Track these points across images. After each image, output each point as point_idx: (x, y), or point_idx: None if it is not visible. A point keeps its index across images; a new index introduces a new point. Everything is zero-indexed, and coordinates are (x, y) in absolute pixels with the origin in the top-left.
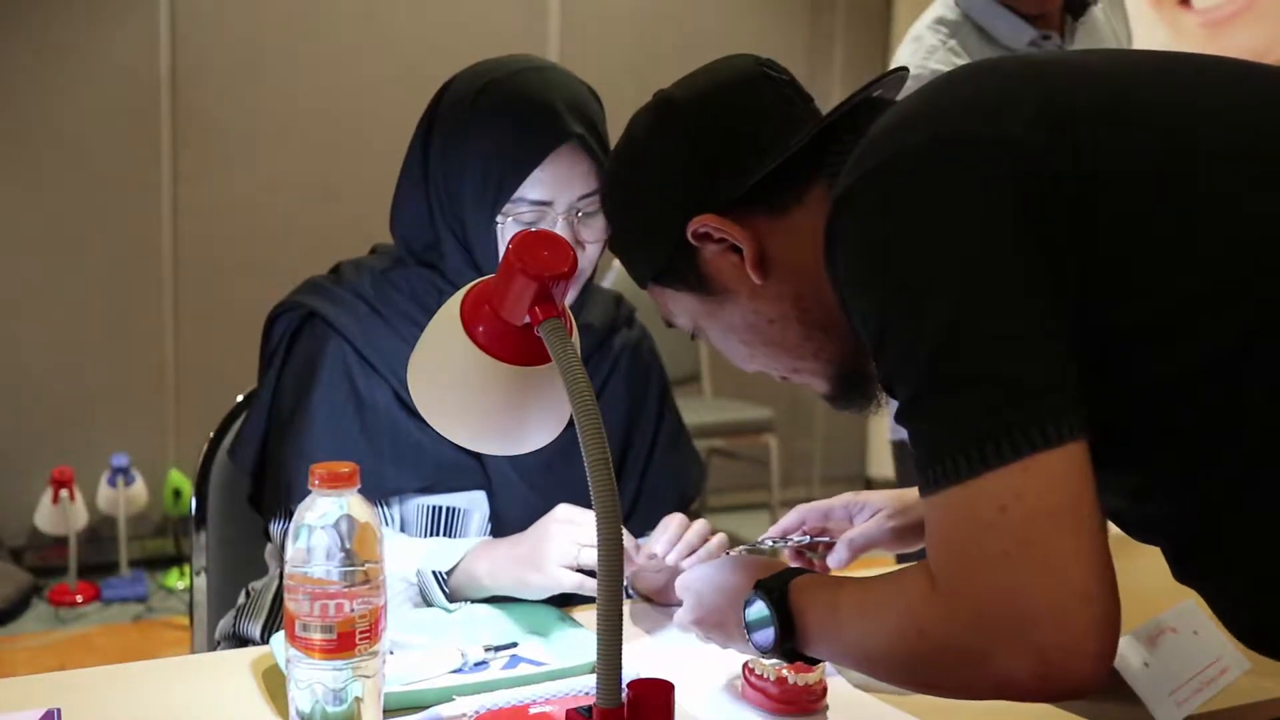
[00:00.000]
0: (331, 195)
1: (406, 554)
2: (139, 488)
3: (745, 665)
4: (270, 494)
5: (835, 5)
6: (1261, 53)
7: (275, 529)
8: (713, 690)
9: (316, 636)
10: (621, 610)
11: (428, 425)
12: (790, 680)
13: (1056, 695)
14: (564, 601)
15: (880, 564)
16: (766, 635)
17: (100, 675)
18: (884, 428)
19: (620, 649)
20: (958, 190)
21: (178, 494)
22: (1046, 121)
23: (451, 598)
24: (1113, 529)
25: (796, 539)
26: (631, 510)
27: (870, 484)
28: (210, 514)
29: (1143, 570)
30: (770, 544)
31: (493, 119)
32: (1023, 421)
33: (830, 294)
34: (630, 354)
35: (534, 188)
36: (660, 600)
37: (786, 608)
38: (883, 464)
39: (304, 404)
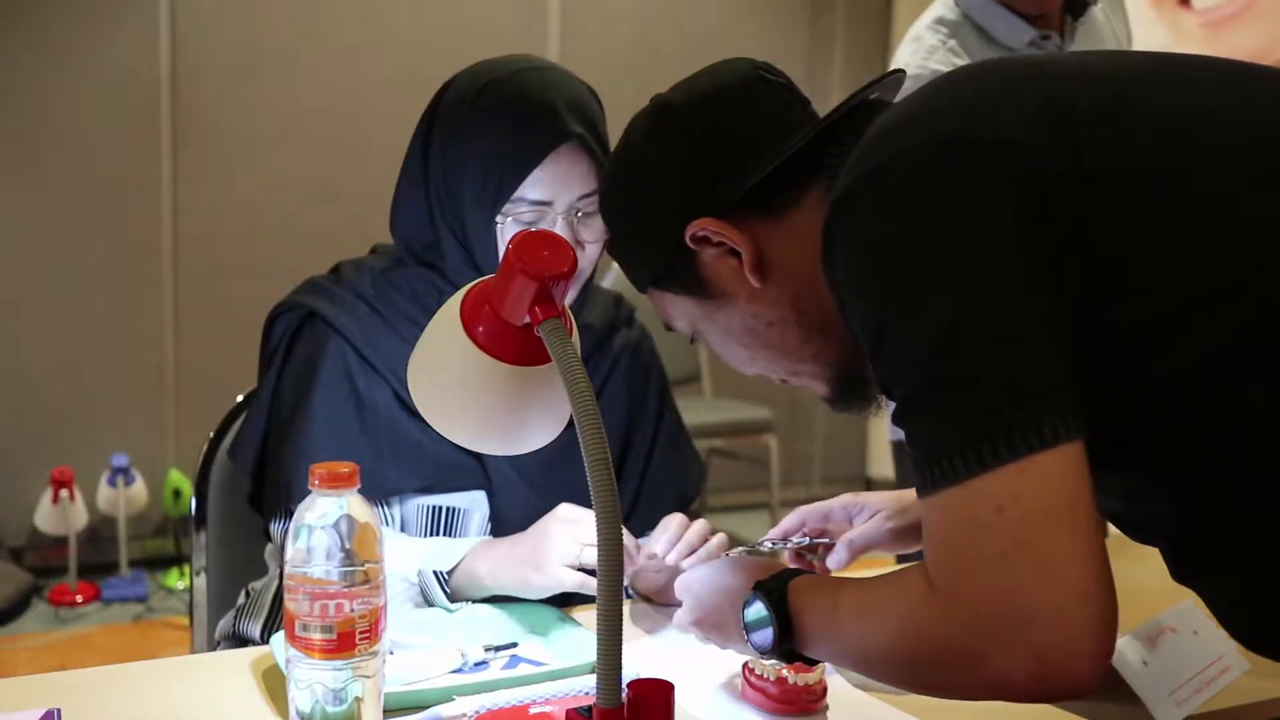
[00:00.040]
0: (331, 195)
1: (407, 554)
2: (139, 488)
3: (745, 665)
4: (270, 494)
5: (835, 5)
6: (1262, 52)
7: (275, 529)
8: (713, 690)
9: (316, 636)
10: (621, 610)
11: (428, 425)
12: (790, 680)
13: (1053, 696)
14: (564, 601)
15: (880, 564)
16: (765, 636)
17: (100, 675)
18: (884, 428)
19: (620, 649)
20: (957, 190)
21: (178, 494)
22: (1047, 122)
23: (453, 597)
24: (1113, 529)
25: (796, 541)
26: (631, 510)
27: (870, 484)
28: (210, 514)
29: (1143, 570)
30: (770, 546)
31: (493, 119)
32: (1021, 422)
33: (829, 296)
34: (630, 354)
35: (534, 188)
36: (660, 600)
37: (785, 608)
38: (882, 464)
39: (304, 404)
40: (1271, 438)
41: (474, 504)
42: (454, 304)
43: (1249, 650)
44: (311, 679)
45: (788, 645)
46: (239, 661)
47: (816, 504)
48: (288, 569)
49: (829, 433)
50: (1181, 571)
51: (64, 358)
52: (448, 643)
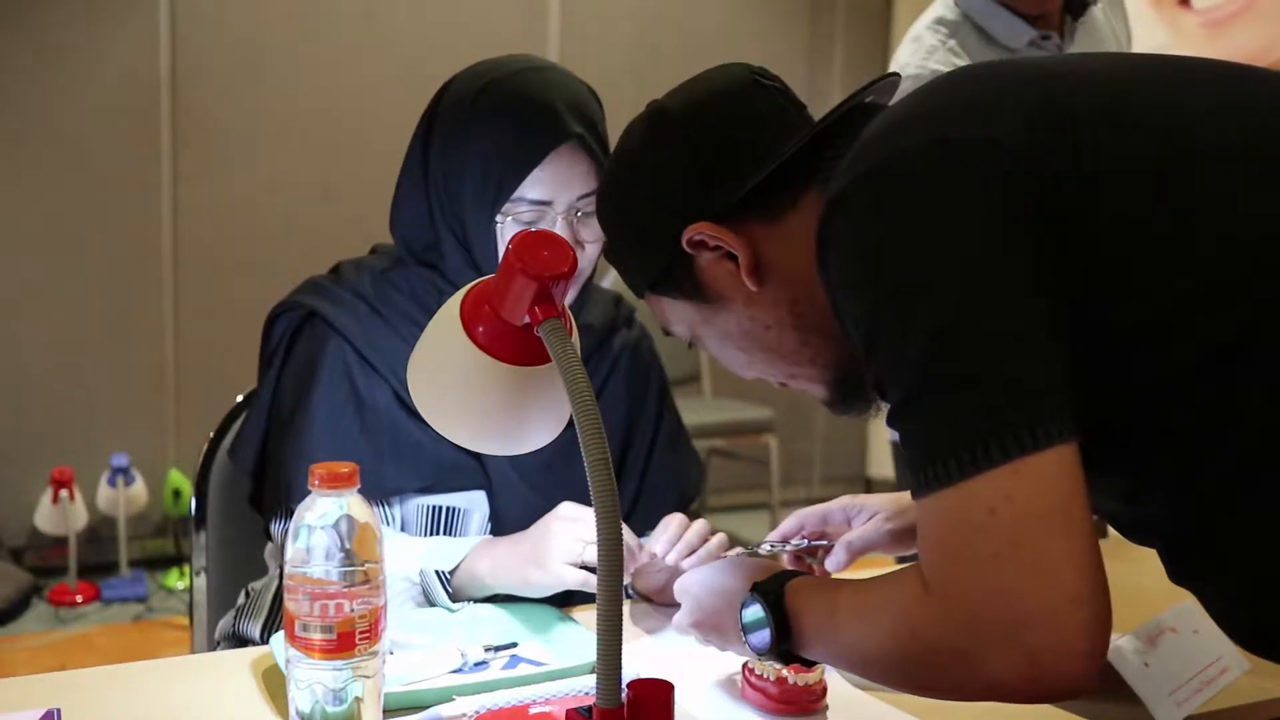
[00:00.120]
0: (331, 195)
1: (408, 553)
2: (139, 488)
3: (745, 665)
4: (270, 494)
5: (835, 5)
6: (1262, 53)
7: (276, 529)
8: (712, 690)
9: (316, 636)
10: (621, 610)
11: (428, 425)
12: (790, 680)
13: (1047, 697)
14: (564, 601)
15: (879, 565)
16: (763, 637)
17: (100, 675)
18: (884, 428)
19: (620, 649)
20: (956, 191)
21: (177, 494)
22: (1046, 122)
23: (454, 597)
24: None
25: (795, 543)
26: (631, 510)
27: (870, 485)
28: (210, 514)
29: (1142, 571)
30: (769, 548)
31: (493, 119)
32: (1018, 423)
33: (826, 298)
34: (630, 354)
35: (534, 187)
36: (660, 600)
37: (782, 610)
38: (882, 464)
39: (304, 404)
40: (1271, 438)
41: (474, 504)
42: (454, 304)
43: (1247, 651)
44: (311, 679)
45: (785, 646)
46: (239, 661)
47: (815, 506)
48: (288, 569)
49: (829, 433)
50: (1178, 572)
51: (64, 357)
52: (448, 643)
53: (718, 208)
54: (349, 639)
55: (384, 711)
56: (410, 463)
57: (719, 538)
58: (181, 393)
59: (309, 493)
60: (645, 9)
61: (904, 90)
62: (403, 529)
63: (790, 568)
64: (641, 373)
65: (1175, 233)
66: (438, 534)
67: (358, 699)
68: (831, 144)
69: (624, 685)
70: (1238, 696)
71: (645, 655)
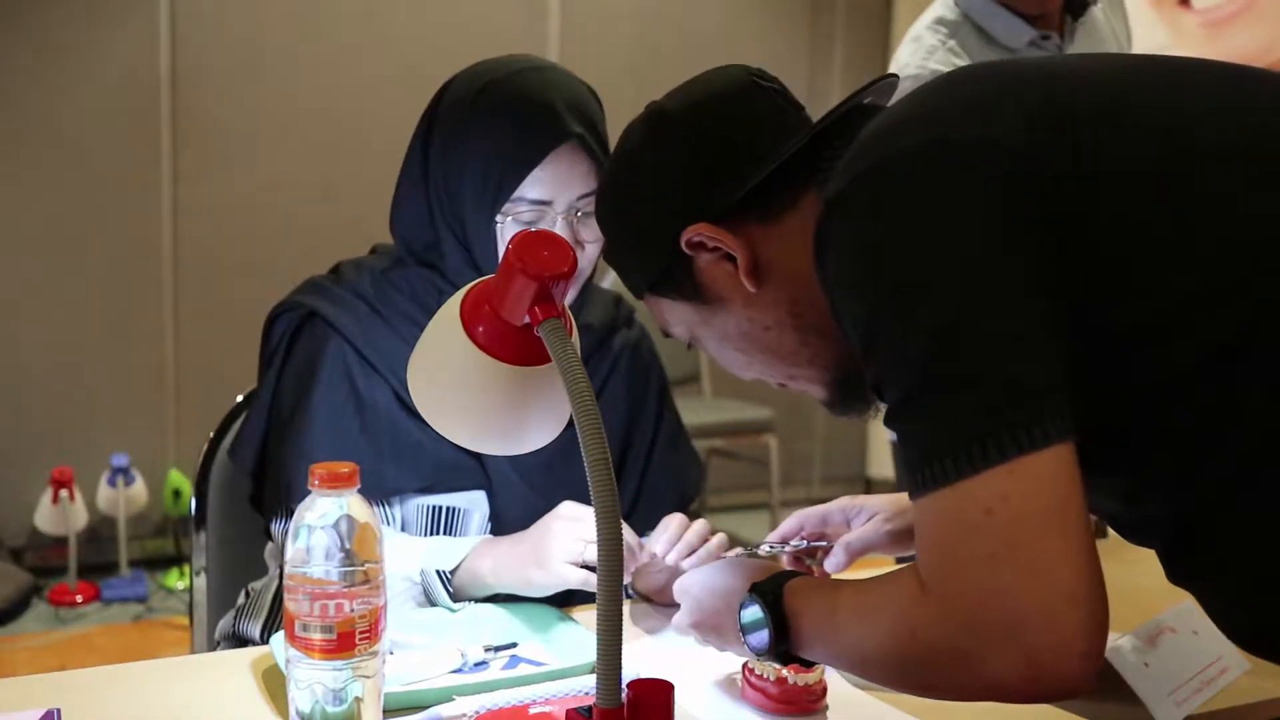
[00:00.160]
0: (331, 195)
1: (408, 553)
2: (139, 488)
3: (745, 665)
4: (270, 494)
5: (835, 6)
6: (1261, 53)
7: (276, 529)
8: (713, 690)
9: (316, 637)
10: (621, 610)
11: (428, 425)
12: (790, 680)
13: (1045, 697)
14: (564, 601)
15: (878, 566)
16: (761, 638)
17: (100, 675)
18: (884, 429)
19: (620, 649)
20: (955, 191)
21: (177, 494)
22: (1046, 122)
23: (455, 597)
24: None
25: (795, 544)
26: (631, 510)
27: (870, 485)
28: (210, 514)
29: (1141, 571)
30: (769, 549)
31: (492, 119)
32: (1010, 423)
33: (825, 299)
34: (630, 354)
35: (533, 187)
36: (660, 600)
37: (781, 610)
38: (882, 465)
39: (304, 404)
40: (1271, 437)
41: (474, 504)
42: (454, 304)
43: (1247, 651)
44: (311, 679)
45: (784, 647)
46: (239, 661)
47: (814, 507)
48: (288, 569)
49: (829, 433)
50: (1177, 572)
51: (64, 357)
52: (448, 643)
53: (716, 209)
54: (349, 639)
55: (384, 711)
56: (410, 463)
57: (719, 538)
58: (181, 392)
59: (309, 493)
60: (645, 9)
61: (904, 90)
62: (403, 529)
63: (790, 568)
64: (641, 373)
65: (1175, 232)
66: (438, 534)
67: (358, 699)
68: (830, 145)
69: (624, 685)
70: (1237, 696)
71: (645, 655)
